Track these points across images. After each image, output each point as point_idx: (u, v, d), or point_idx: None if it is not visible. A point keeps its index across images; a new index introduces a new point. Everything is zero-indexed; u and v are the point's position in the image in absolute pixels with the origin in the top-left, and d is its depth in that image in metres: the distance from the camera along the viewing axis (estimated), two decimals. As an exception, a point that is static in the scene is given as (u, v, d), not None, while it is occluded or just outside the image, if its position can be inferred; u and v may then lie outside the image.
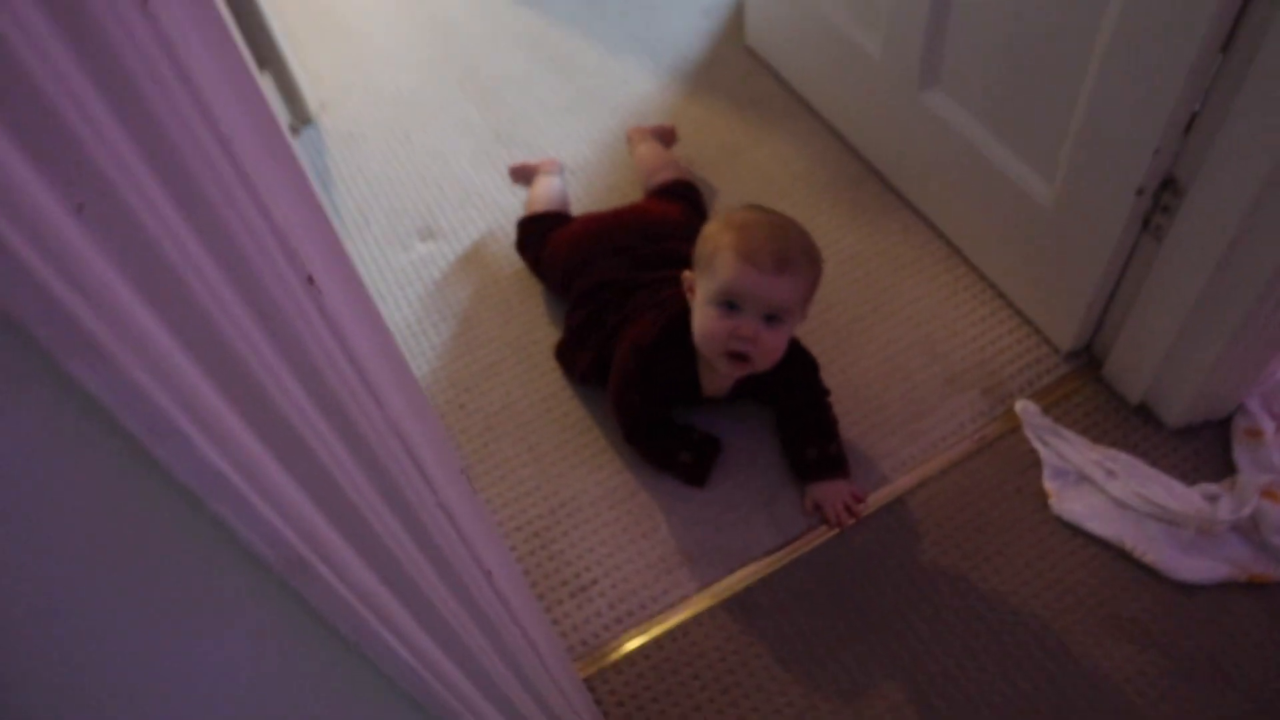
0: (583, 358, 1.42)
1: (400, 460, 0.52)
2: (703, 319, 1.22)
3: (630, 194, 1.71)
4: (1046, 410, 1.40)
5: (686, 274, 1.28)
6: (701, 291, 1.23)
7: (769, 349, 1.22)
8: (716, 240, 1.21)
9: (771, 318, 1.20)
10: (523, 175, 1.73)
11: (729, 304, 1.19)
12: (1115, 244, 1.27)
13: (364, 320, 0.48)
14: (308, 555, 0.47)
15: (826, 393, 1.38)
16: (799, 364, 1.32)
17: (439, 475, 0.58)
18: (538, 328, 1.55)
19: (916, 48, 1.44)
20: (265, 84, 1.91)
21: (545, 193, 1.66)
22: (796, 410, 1.36)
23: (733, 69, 1.89)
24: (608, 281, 1.40)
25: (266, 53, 1.78)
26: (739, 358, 1.22)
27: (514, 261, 1.64)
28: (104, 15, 0.29)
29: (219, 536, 0.43)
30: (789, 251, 1.19)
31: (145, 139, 0.31)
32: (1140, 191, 1.19)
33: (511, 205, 1.72)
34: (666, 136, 1.75)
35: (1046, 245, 1.38)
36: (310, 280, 0.41)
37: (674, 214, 1.51)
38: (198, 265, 0.35)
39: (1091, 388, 1.42)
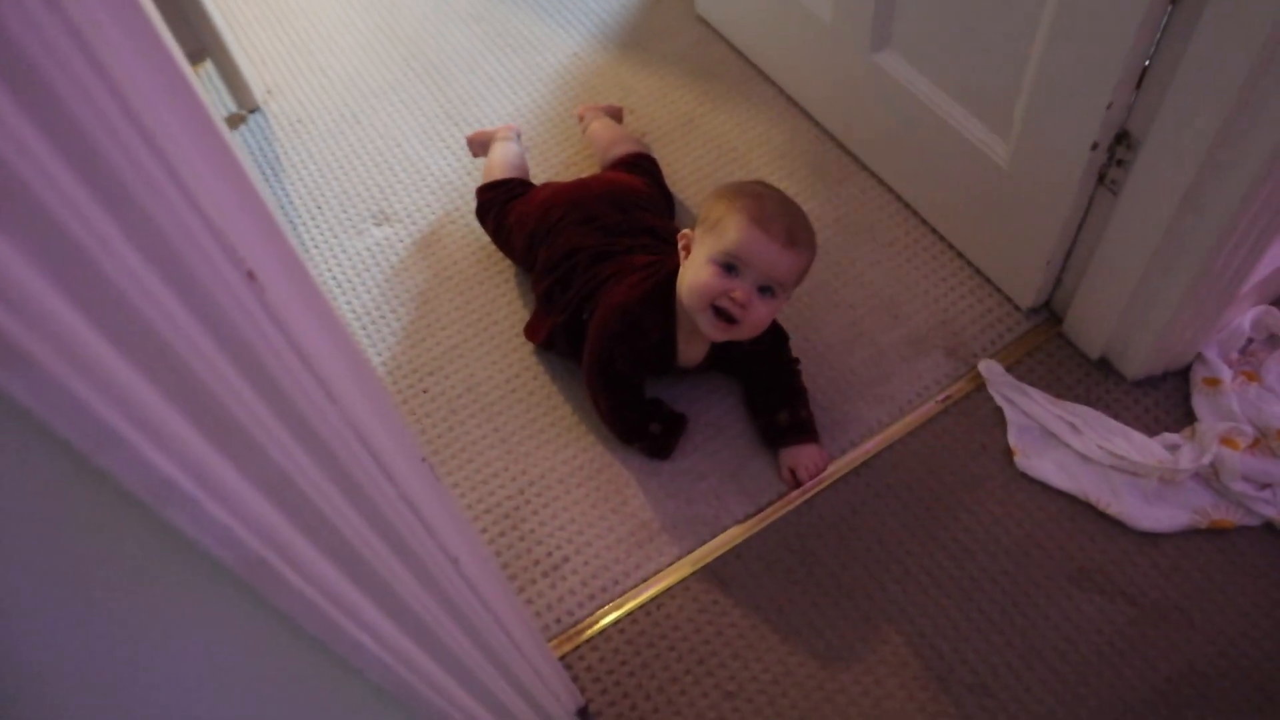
0: (547, 323, 1.41)
1: (357, 453, 0.51)
2: (698, 274, 1.22)
3: (586, 168, 1.69)
4: (1010, 368, 1.41)
5: (685, 231, 1.27)
6: (703, 250, 1.22)
7: (757, 320, 1.23)
8: (730, 204, 1.21)
9: (766, 289, 1.21)
10: (480, 144, 1.70)
11: (730, 265, 1.20)
12: (1072, 199, 1.27)
13: (312, 312, 0.46)
14: (268, 555, 0.46)
15: (796, 361, 1.38)
16: (770, 334, 1.32)
17: (399, 466, 0.57)
18: (498, 308, 1.54)
19: (867, 9, 1.43)
20: (207, 73, 1.87)
21: (504, 159, 1.63)
22: (767, 379, 1.36)
23: (684, 38, 1.88)
24: (577, 248, 1.39)
25: (208, 41, 1.74)
26: (724, 318, 1.22)
27: (472, 242, 1.62)
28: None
29: (174, 540, 0.42)
30: (797, 229, 1.21)
31: (57, 133, 0.30)
32: (1095, 146, 1.19)
33: (466, 185, 1.70)
34: (616, 115, 1.73)
35: (1004, 203, 1.38)
36: (250, 275, 0.40)
37: (639, 185, 1.50)
38: (127, 265, 0.34)
39: (1053, 344, 1.43)
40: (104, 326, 0.34)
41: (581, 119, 1.73)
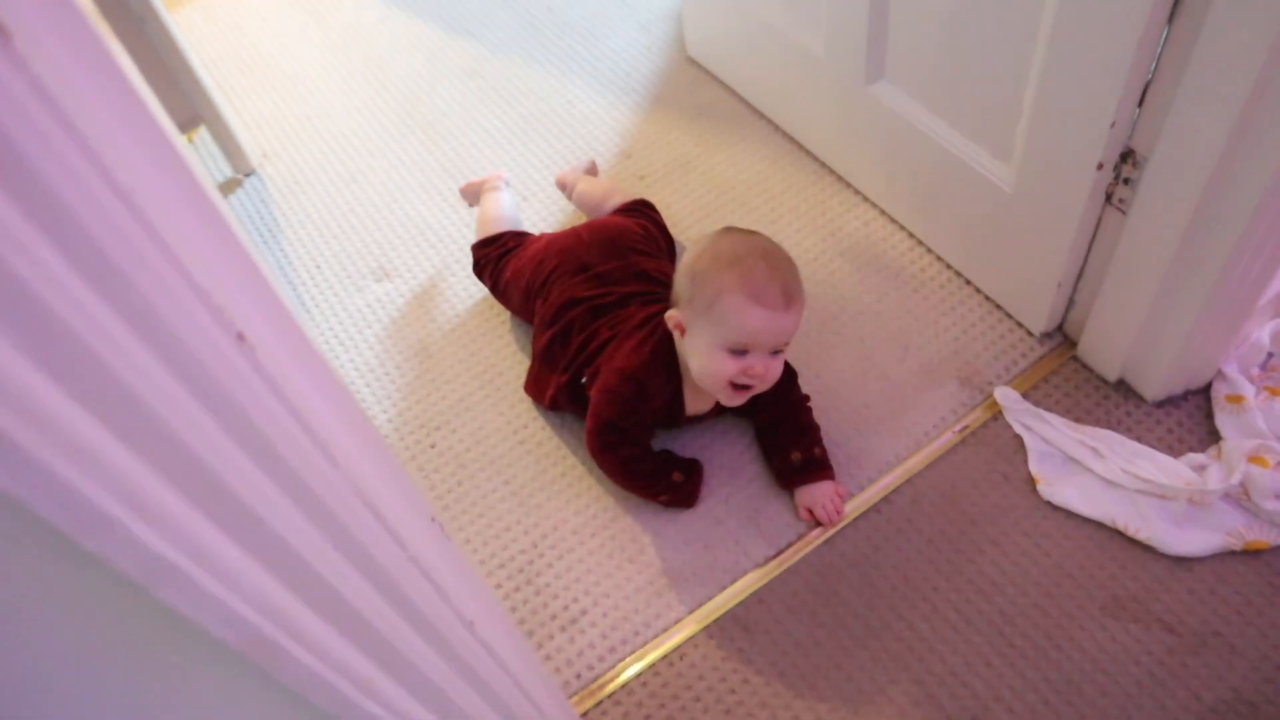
0: (551, 382, 1.39)
1: (363, 517, 0.48)
2: (710, 361, 1.20)
3: (583, 214, 1.68)
4: (1026, 395, 1.38)
5: (671, 313, 1.24)
6: (704, 336, 1.19)
7: (773, 376, 1.23)
8: (717, 282, 1.17)
9: (777, 350, 1.20)
10: (472, 194, 1.69)
11: (740, 350, 1.18)
12: (1079, 220, 1.25)
13: (309, 372, 0.44)
14: (272, 632, 0.44)
15: (806, 398, 1.35)
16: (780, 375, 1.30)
17: (408, 527, 0.55)
18: (503, 359, 1.52)
19: (860, 42, 1.42)
20: (202, 139, 1.87)
21: (495, 211, 1.61)
22: (777, 418, 1.34)
23: (677, 81, 1.87)
24: (572, 300, 1.37)
25: (201, 108, 1.74)
26: (743, 388, 1.22)
27: (473, 295, 1.61)
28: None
29: (172, 620, 0.40)
30: (790, 283, 1.18)
31: (26, 198, 0.28)
32: (1100, 166, 1.18)
33: (465, 238, 1.69)
34: (592, 171, 1.71)
35: (1009, 228, 1.37)
36: (241, 337, 0.38)
37: (631, 227, 1.48)
38: (109, 335, 0.32)
39: (1069, 368, 1.40)
40: (83, 399, 0.32)
41: (563, 187, 1.69)
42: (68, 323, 0.30)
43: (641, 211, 1.54)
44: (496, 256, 1.52)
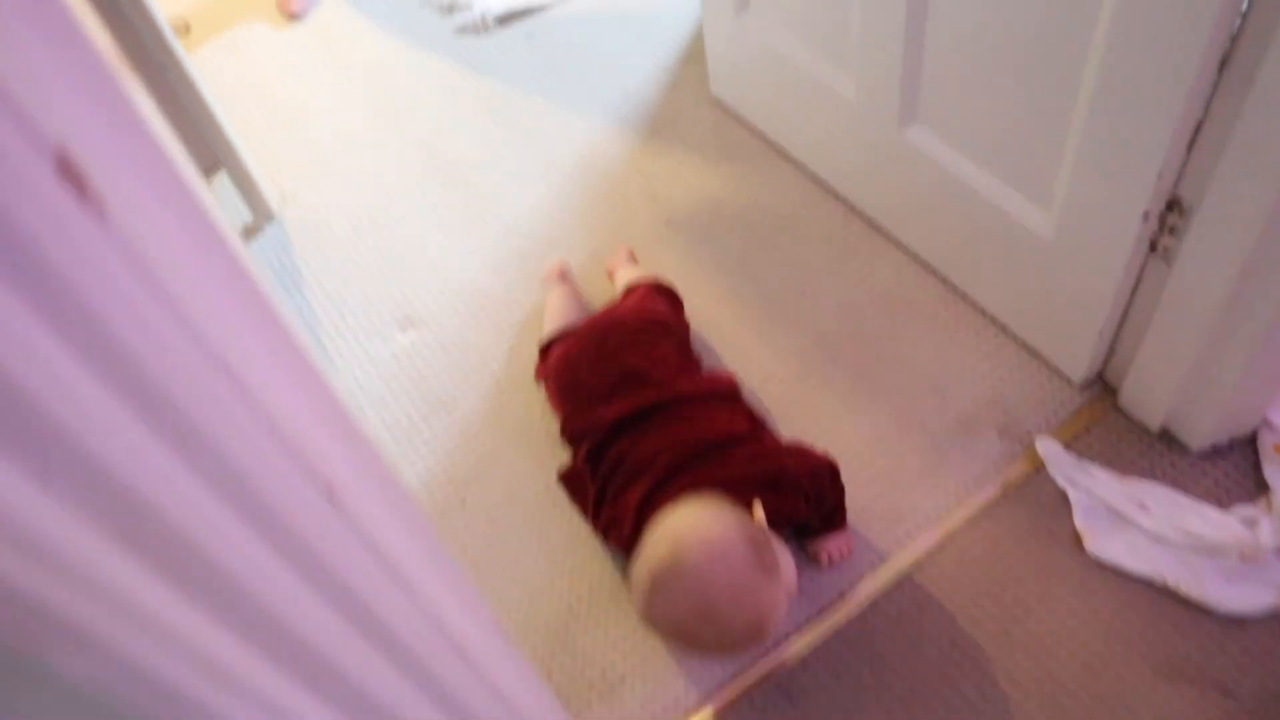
0: (588, 494, 1.32)
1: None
2: None
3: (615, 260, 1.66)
4: (1067, 445, 1.35)
5: None
6: None
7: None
8: (649, 627, 1.10)
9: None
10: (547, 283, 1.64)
11: None
12: (1122, 270, 1.23)
13: (394, 513, 0.42)
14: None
15: (841, 493, 1.29)
16: (821, 482, 1.25)
17: (494, 665, 0.52)
18: (532, 411, 1.49)
19: (893, 84, 1.40)
20: (222, 184, 1.85)
21: (553, 308, 1.56)
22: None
23: (701, 121, 1.85)
24: (601, 425, 1.30)
25: (221, 153, 1.72)
26: None
27: (501, 344, 1.58)
28: (41, 232, 0.23)
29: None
30: (735, 644, 1.07)
31: (113, 375, 0.25)
32: (1146, 216, 1.15)
33: (492, 284, 1.66)
34: (631, 258, 1.64)
35: (1048, 275, 1.34)
36: (330, 491, 0.35)
37: (627, 318, 1.43)
38: (201, 513, 0.29)
39: (1110, 417, 1.38)
40: (173, 582, 0.30)
41: (612, 275, 1.62)
42: (160, 509, 0.28)
43: (643, 291, 1.50)
44: (543, 359, 1.49)
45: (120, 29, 1.52)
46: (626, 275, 1.57)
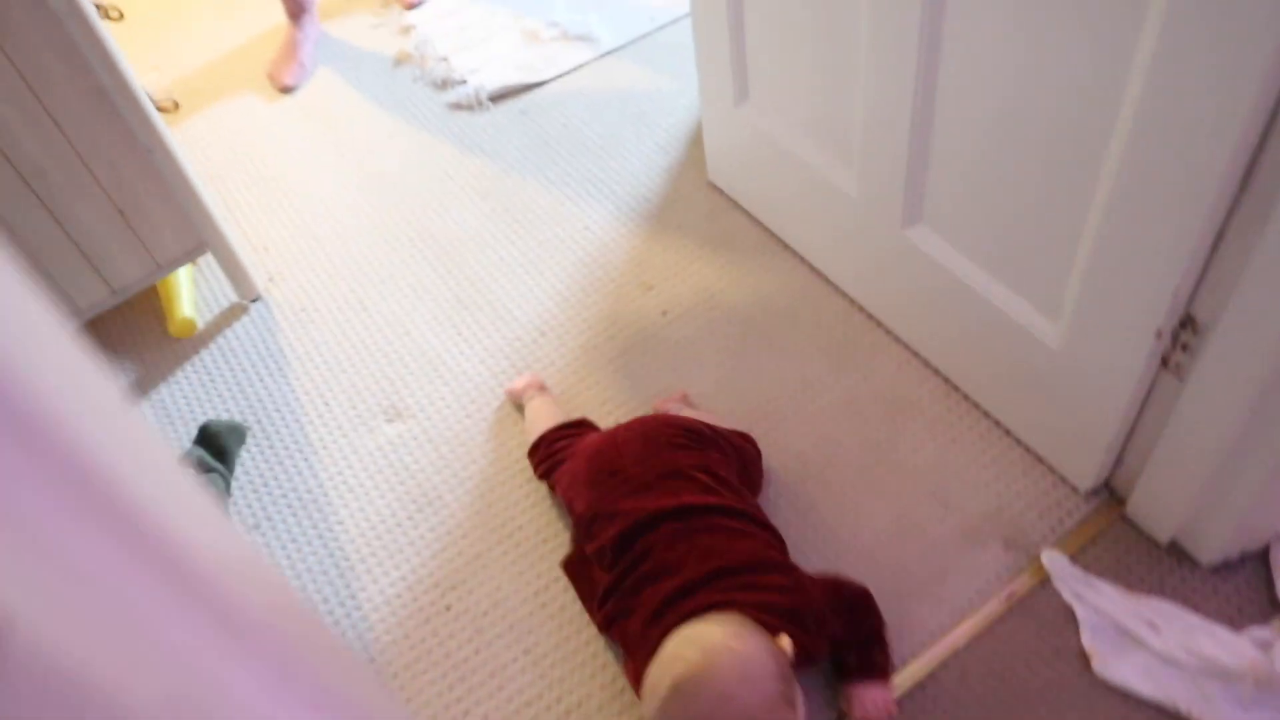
0: (596, 583, 1.27)
1: None
2: None
3: (604, 351, 1.62)
4: (1074, 558, 1.31)
5: None
6: None
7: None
8: None
9: None
10: (514, 400, 1.58)
11: None
12: (1133, 384, 1.19)
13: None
14: None
15: (880, 623, 1.24)
16: (854, 605, 1.21)
17: None
18: (521, 511, 1.45)
19: (897, 185, 1.38)
20: (208, 263, 1.81)
21: (539, 412, 1.51)
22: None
23: (698, 207, 1.82)
24: (637, 514, 1.23)
25: (207, 234, 1.68)
26: None
27: (490, 439, 1.54)
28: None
29: None
30: None
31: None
32: (1159, 334, 1.12)
33: (481, 376, 1.62)
34: (686, 400, 1.53)
35: (1055, 384, 1.30)
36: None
37: (675, 423, 1.36)
38: None
39: (1118, 528, 1.34)
40: None
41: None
42: None
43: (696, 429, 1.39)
44: (546, 469, 1.43)
45: (106, 114, 1.48)
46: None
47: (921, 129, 1.29)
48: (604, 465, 1.28)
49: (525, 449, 1.47)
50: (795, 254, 1.70)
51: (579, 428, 1.45)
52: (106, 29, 1.45)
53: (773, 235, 1.74)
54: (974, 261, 1.34)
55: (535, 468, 1.45)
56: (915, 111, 1.27)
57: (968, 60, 1.17)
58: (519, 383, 1.58)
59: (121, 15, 2.10)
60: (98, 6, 2.08)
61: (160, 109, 1.79)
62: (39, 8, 1.36)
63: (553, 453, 1.41)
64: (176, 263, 1.70)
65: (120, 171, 1.55)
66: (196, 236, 1.69)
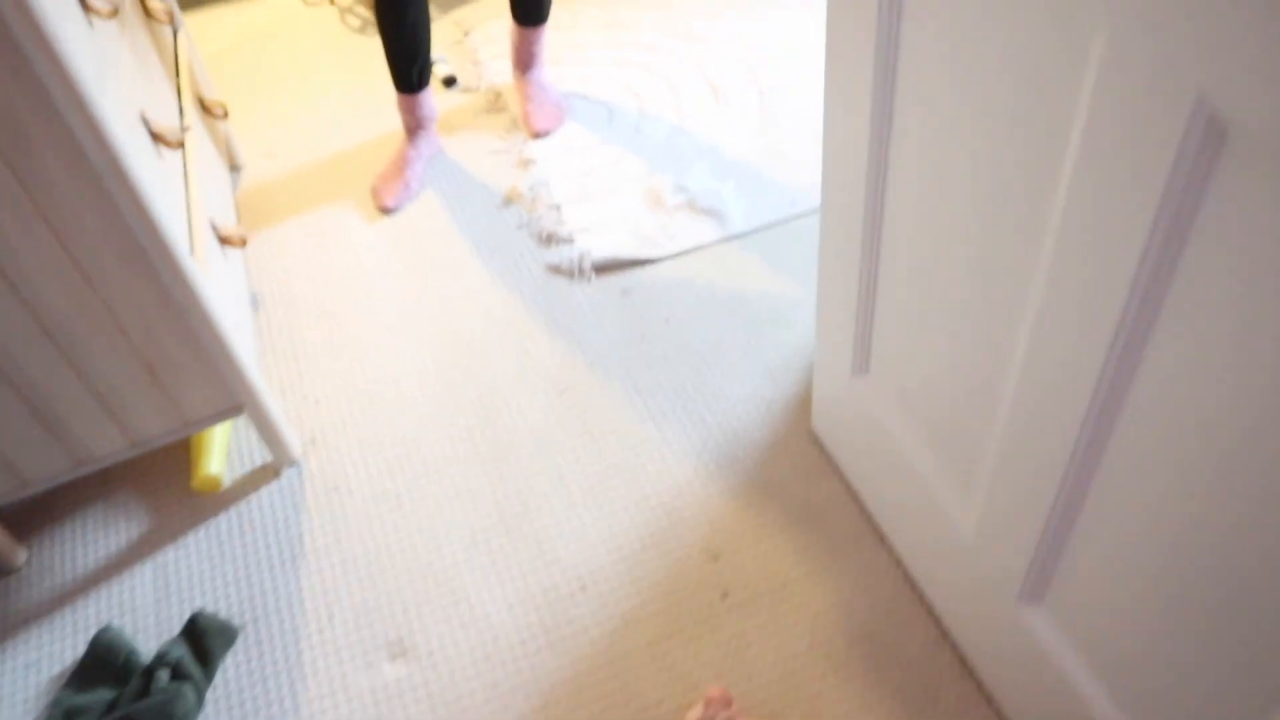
0: None
1: None
2: None
3: (646, 628, 1.39)
4: None
5: None
6: None
7: None
8: None
9: None
10: None
11: None
12: None
13: None
14: None
15: None
16: None
17: None
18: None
19: (1022, 550, 1.11)
20: (244, 424, 1.65)
21: None
22: None
23: (794, 460, 1.57)
24: None
25: (242, 395, 1.51)
26: None
27: (496, 702, 1.32)
28: None
29: None
30: None
31: None
32: None
33: (503, 626, 1.41)
34: (726, 699, 1.29)
35: None
36: None
37: None
38: None
39: None
40: None
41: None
42: None
43: None
44: None
45: (141, 272, 1.33)
46: None
47: (1077, 482, 1.01)
48: None
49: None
50: (891, 551, 1.44)
51: None
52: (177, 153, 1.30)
53: (870, 521, 1.48)
54: (1096, 669, 1.07)
55: None
56: (1074, 458, 1.00)
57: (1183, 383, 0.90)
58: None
59: (226, 113, 1.97)
60: (203, 106, 1.96)
61: (225, 241, 1.64)
62: (77, 162, 1.21)
63: None
64: (206, 422, 1.53)
65: (152, 328, 1.39)
66: (231, 398, 1.52)
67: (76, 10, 1.29)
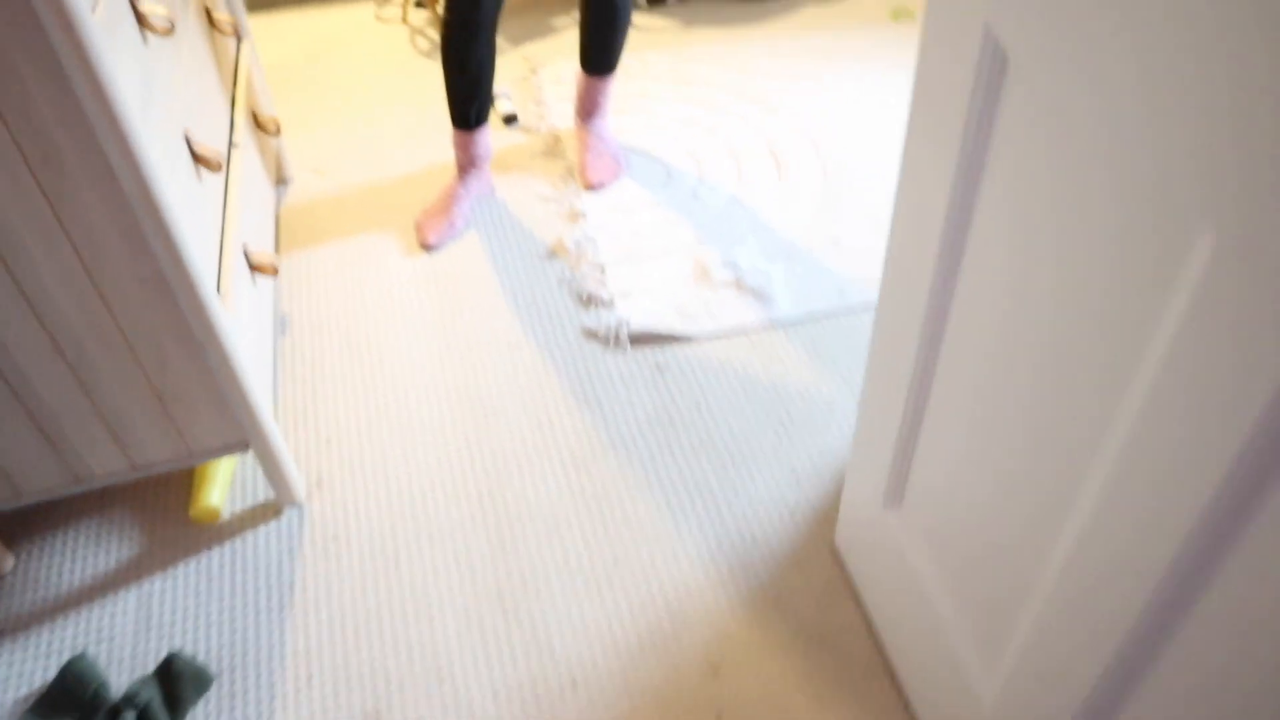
0: None
1: None
2: None
3: (635, 742, 1.32)
4: None
5: None
6: None
7: None
8: None
9: None
10: None
11: None
12: None
13: None
14: None
15: None
16: None
17: None
18: None
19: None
20: (249, 461, 1.60)
21: None
22: None
23: (811, 577, 1.50)
24: None
25: (251, 432, 1.46)
26: None
27: (461, 814, 1.25)
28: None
29: None
30: None
31: None
32: None
33: (488, 712, 1.34)
34: None
35: None
36: None
37: None
38: None
39: None
40: None
41: None
42: None
43: None
44: None
45: (162, 301, 1.28)
46: None
47: (1130, 673, 0.93)
48: None
49: None
50: (901, 692, 1.37)
51: None
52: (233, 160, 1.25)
53: (883, 655, 1.41)
54: None
55: None
56: (1123, 653, 0.91)
57: None
58: None
59: (279, 130, 1.93)
60: (257, 121, 1.92)
61: (256, 268, 1.59)
62: (109, 185, 1.16)
63: None
64: (211, 454, 1.48)
65: (166, 358, 1.34)
66: (239, 434, 1.47)
67: (131, 28, 1.25)
